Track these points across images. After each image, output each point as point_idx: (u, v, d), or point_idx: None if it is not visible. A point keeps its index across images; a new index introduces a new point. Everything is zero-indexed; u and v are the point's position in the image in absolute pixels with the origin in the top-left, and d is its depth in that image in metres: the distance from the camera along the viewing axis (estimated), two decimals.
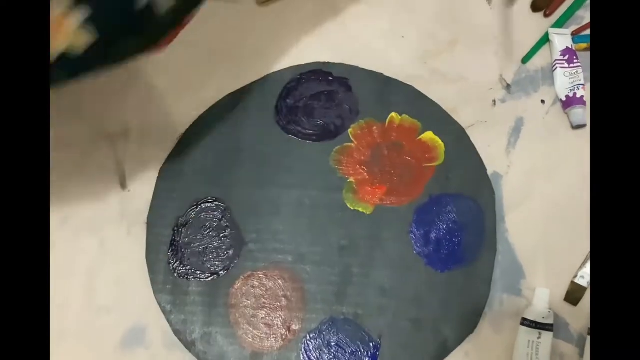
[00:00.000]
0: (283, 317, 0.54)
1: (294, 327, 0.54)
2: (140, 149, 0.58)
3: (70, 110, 0.59)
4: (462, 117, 0.60)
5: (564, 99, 0.60)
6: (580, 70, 0.61)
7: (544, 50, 0.63)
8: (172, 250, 0.56)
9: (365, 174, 0.58)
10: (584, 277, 0.55)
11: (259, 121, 0.59)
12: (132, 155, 0.58)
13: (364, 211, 0.57)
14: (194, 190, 0.57)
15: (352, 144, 0.59)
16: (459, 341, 0.54)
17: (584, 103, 0.59)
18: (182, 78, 0.60)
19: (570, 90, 0.60)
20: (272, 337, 0.54)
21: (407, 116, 0.59)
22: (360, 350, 0.53)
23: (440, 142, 0.59)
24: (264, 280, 0.55)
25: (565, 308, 0.55)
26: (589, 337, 0.53)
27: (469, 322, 0.54)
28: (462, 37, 0.63)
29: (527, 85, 0.62)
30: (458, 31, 0.63)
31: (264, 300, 0.54)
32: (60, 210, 0.57)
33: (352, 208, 0.57)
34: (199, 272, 0.55)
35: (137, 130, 0.59)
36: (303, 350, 0.53)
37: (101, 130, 0.59)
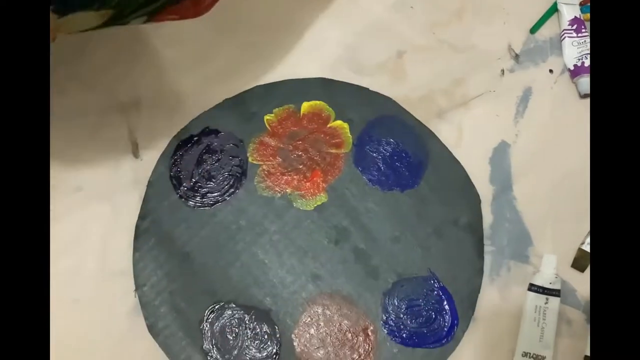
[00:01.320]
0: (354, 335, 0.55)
1: (370, 331, 0.54)
2: (151, 118, 0.59)
3: (82, 81, 0.60)
4: (471, 87, 0.61)
5: (572, 68, 0.61)
6: (588, 39, 0.61)
7: (552, 20, 0.63)
8: None
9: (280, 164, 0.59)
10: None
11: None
12: (144, 125, 0.59)
13: (319, 202, 0.57)
14: None
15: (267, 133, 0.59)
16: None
17: None
18: (192, 50, 0.61)
19: (578, 59, 0.60)
20: (358, 350, 0.54)
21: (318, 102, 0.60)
22: (427, 293, 0.55)
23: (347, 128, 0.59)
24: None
25: (572, 274, 0.56)
26: None
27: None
28: (470, 7, 0.63)
29: (536, 55, 0.62)
30: (466, 1, 0.63)
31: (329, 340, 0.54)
32: (75, 179, 0.58)
33: (302, 208, 0.57)
34: None
35: (148, 100, 0.60)
36: (391, 338, 0.54)
37: (113, 100, 0.60)
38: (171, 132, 0.59)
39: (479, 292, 0.55)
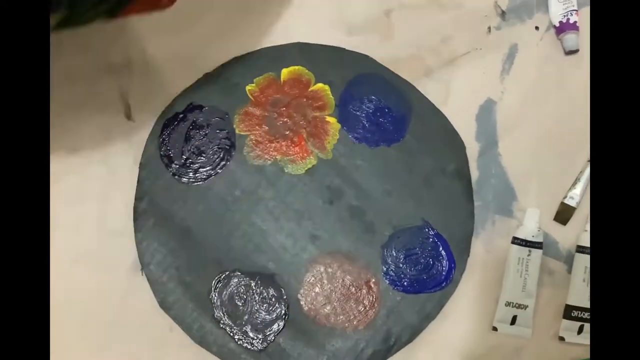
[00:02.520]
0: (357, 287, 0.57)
1: (372, 283, 0.56)
2: (143, 80, 0.60)
3: (73, 44, 0.60)
4: (458, 45, 0.62)
5: (557, 25, 0.61)
6: None
7: None
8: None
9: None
10: (573, 198, 0.58)
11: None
12: (136, 87, 0.60)
13: (309, 165, 0.59)
14: None
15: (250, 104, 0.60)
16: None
17: (576, 28, 0.61)
18: (182, 13, 0.61)
19: (564, 16, 0.61)
20: (363, 302, 0.56)
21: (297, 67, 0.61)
22: (423, 241, 0.57)
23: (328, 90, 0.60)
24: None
25: (554, 227, 0.58)
26: (577, 254, 0.57)
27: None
28: None
29: (522, 12, 0.63)
30: None
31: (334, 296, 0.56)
32: (70, 141, 0.59)
33: (292, 173, 0.59)
34: None
35: (140, 62, 0.61)
36: (393, 288, 0.56)
37: (105, 63, 0.61)
38: (163, 95, 0.60)
39: (472, 234, 0.58)
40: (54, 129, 0.59)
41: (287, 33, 0.61)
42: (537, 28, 0.62)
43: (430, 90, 0.61)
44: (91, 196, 0.58)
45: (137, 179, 0.58)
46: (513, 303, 0.56)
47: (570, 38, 0.61)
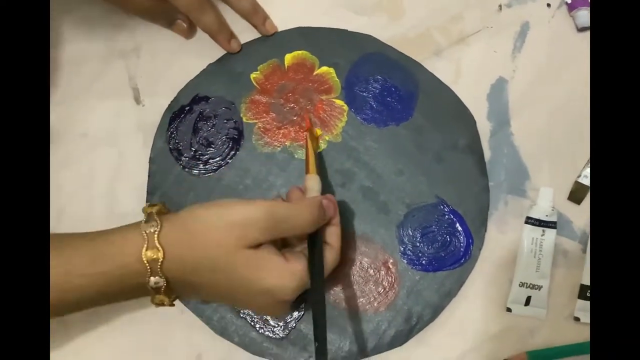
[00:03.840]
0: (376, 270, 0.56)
1: (390, 264, 0.56)
2: (151, 64, 0.61)
3: (80, 28, 0.61)
4: (468, 23, 0.61)
5: (569, 1, 0.60)
6: None
7: None
8: None
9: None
10: (587, 177, 0.57)
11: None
12: (144, 71, 0.60)
13: (319, 149, 0.58)
14: None
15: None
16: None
17: (588, 4, 0.59)
18: None
19: None
20: (382, 284, 0.56)
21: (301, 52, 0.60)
22: (438, 218, 0.57)
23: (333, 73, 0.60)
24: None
25: (568, 207, 0.57)
26: None
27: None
28: None
29: None
30: None
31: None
32: (80, 126, 0.60)
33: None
34: None
35: (148, 46, 0.61)
36: (411, 267, 0.56)
37: (113, 47, 0.61)
38: (171, 79, 0.60)
39: (488, 209, 0.57)
40: (63, 113, 0.59)
41: (290, 17, 0.61)
42: (548, 5, 0.61)
43: (440, 69, 0.60)
44: (101, 179, 0.58)
45: (147, 164, 0.58)
46: (527, 284, 0.55)
47: (582, 14, 0.59)
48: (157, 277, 0.44)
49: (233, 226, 0.44)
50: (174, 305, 0.47)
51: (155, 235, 0.44)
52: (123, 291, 0.45)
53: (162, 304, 0.46)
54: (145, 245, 0.44)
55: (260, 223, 0.44)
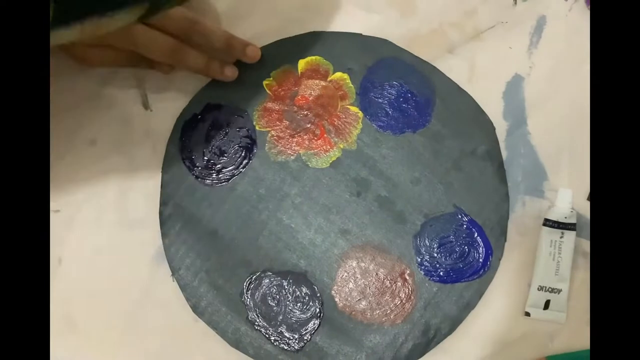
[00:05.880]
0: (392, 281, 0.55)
1: (407, 275, 0.55)
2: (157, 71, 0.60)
3: None
4: (482, 19, 0.59)
5: None
6: None
7: None
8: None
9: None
10: None
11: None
12: (152, 76, 0.59)
13: (333, 158, 0.57)
14: None
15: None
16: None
17: None
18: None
19: None
20: (399, 295, 0.55)
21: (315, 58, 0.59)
22: (456, 228, 0.56)
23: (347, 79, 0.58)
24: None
25: (588, 207, 0.56)
26: None
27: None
28: None
29: None
30: None
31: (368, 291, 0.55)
32: (89, 133, 0.59)
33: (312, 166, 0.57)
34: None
35: None
36: (429, 279, 0.55)
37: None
38: (179, 83, 0.59)
39: (507, 218, 0.55)
40: (70, 121, 0.59)
41: (301, 18, 0.60)
42: None
43: (454, 67, 0.58)
44: (111, 187, 0.58)
45: (158, 171, 0.57)
46: (546, 287, 0.54)
47: None
48: None
49: None
50: None
51: None
52: None
53: None
54: None
55: None
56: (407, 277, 0.55)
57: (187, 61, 0.56)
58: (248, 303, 0.55)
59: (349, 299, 0.55)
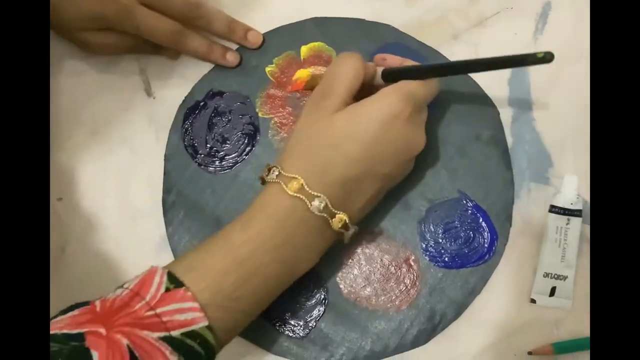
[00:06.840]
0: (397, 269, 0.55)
1: (411, 261, 0.55)
2: (162, 56, 0.59)
3: None
4: (486, 5, 0.59)
5: None
6: None
7: None
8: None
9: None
10: None
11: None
12: (155, 63, 0.59)
13: None
14: None
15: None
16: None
17: None
18: None
19: None
20: (404, 281, 0.54)
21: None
22: (461, 214, 0.55)
23: None
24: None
25: None
26: None
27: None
28: None
29: None
30: None
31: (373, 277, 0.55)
32: (91, 123, 0.59)
33: None
34: None
35: None
36: (434, 264, 0.55)
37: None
38: (182, 70, 0.59)
39: (513, 203, 0.55)
40: (72, 111, 0.58)
41: (304, 6, 0.59)
42: None
43: (458, 54, 0.58)
44: (115, 175, 0.58)
45: (160, 159, 0.57)
46: (552, 274, 0.54)
47: None
48: (316, 200, 0.45)
49: None
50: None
51: (280, 170, 0.46)
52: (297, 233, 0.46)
53: (345, 224, 0.47)
54: (283, 184, 0.46)
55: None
56: (412, 263, 0.55)
57: (189, 45, 0.56)
58: None
59: (353, 285, 0.54)
